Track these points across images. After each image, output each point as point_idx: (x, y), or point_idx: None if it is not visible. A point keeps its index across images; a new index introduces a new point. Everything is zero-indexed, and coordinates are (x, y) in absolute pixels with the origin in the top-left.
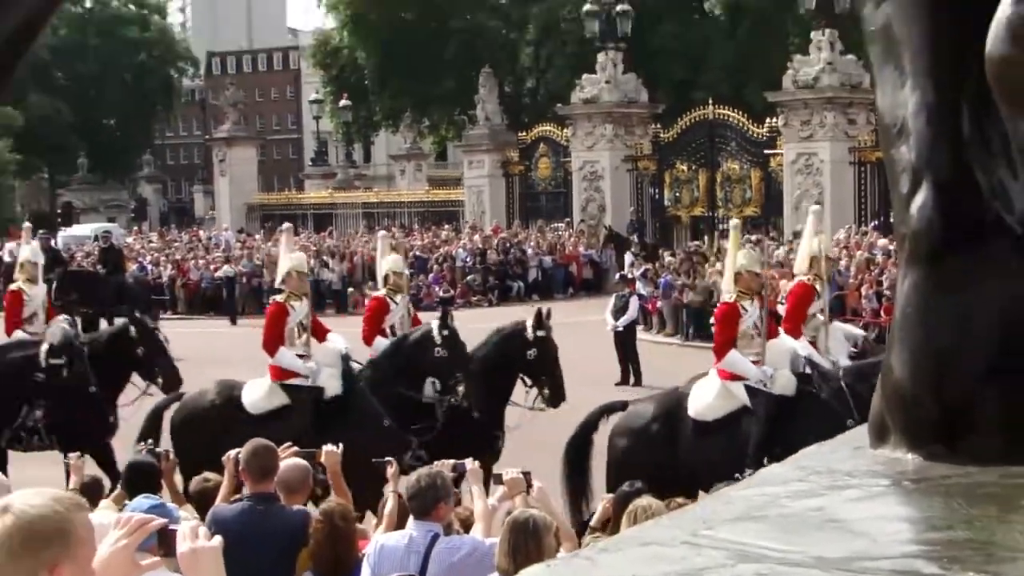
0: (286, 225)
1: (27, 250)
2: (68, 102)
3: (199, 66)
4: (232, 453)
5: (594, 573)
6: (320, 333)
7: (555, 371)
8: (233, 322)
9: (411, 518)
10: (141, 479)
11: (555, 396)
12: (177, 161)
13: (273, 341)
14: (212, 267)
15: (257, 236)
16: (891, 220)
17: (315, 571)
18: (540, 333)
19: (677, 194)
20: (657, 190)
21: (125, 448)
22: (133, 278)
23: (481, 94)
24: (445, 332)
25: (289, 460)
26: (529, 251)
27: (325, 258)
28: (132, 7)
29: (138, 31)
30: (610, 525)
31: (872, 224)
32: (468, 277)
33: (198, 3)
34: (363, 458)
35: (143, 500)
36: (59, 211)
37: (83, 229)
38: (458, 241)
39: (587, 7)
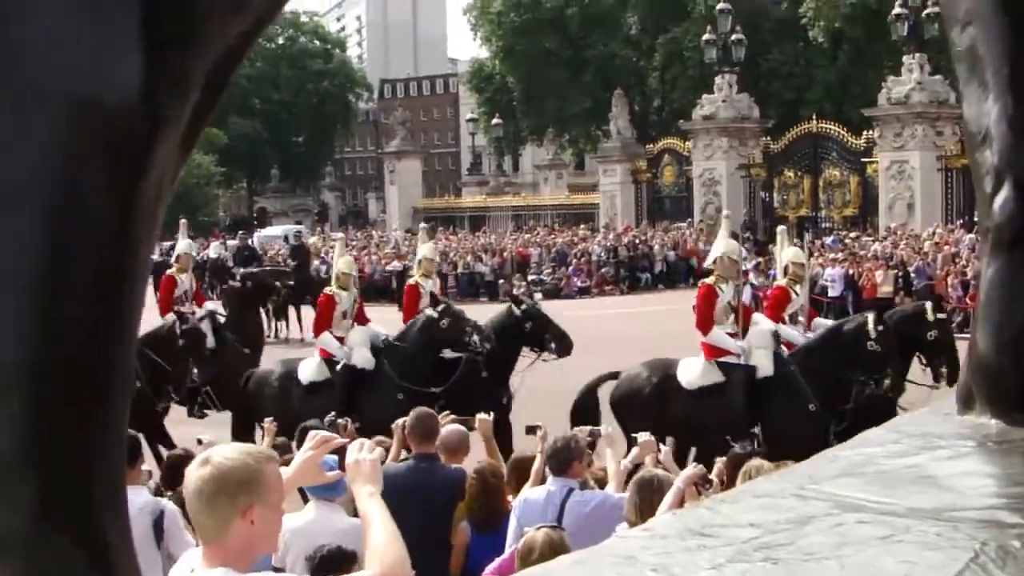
0: (339, 235)
1: (184, 244)
2: (263, 123)
3: (373, 91)
4: (399, 421)
5: (716, 520)
6: (362, 319)
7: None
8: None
9: (550, 475)
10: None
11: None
12: (354, 172)
13: (321, 326)
14: (383, 261)
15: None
16: (974, 219)
17: (471, 520)
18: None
19: (784, 197)
20: (767, 194)
21: None
22: (316, 272)
23: (614, 112)
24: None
25: (450, 426)
26: (655, 247)
27: (479, 254)
28: (317, 42)
29: (322, 63)
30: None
31: (958, 222)
32: (603, 269)
33: (372, 38)
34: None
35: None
36: (255, 215)
37: (275, 230)
38: (594, 239)
39: (706, 36)
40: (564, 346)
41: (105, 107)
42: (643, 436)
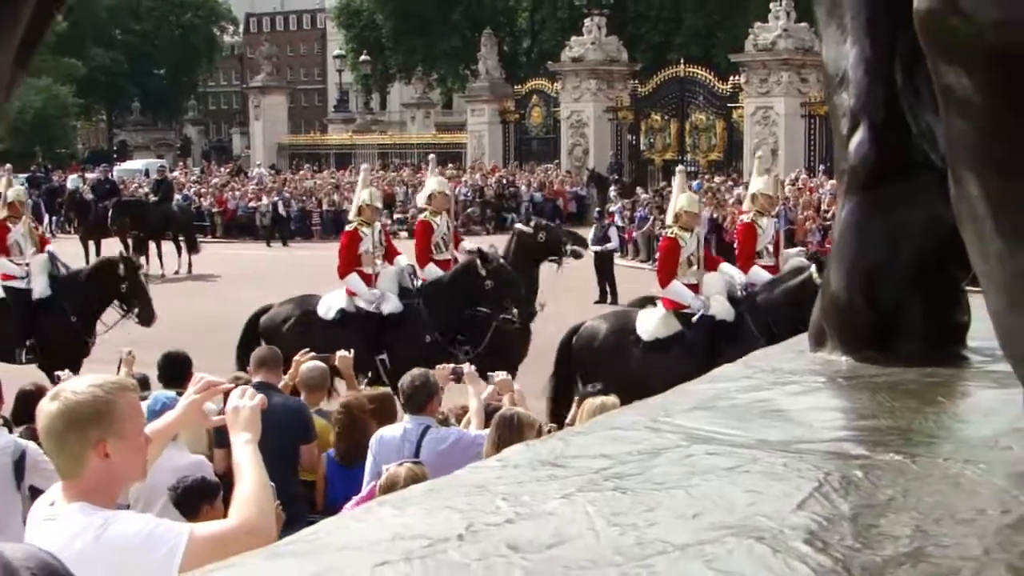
0: (364, 165)
1: (15, 190)
2: (124, 54)
3: (239, 25)
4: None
5: (567, 451)
6: (391, 255)
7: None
8: (269, 245)
9: (406, 413)
10: (172, 369)
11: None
12: (218, 106)
13: (347, 265)
14: (247, 198)
15: (286, 172)
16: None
17: (336, 454)
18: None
19: (651, 140)
20: (634, 137)
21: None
22: (178, 207)
23: (483, 52)
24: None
25: (310, 363)
26: (523, 188)
27: (345, 192)
28: None
29: None
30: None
31: (821, 168)
32: (469, 209)
33: None
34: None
35: (160, 394)
36: (115, 149)
37: (135, 164)
38: (460, 178)
39: None
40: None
41: None
42: (499, 375)
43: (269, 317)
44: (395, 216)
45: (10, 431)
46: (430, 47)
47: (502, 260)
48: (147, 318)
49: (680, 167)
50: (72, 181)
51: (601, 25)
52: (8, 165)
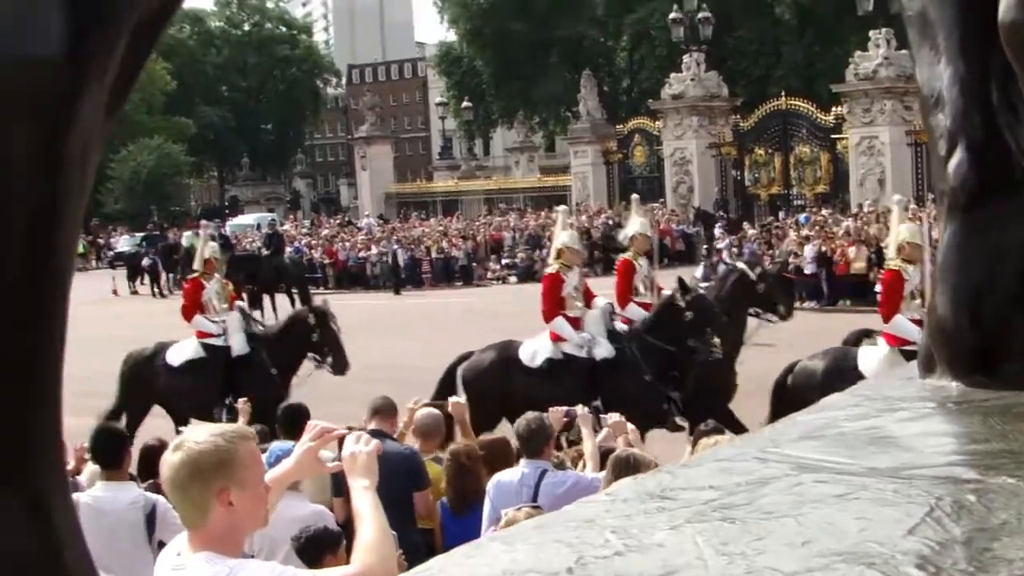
0: (562, 208)
1: (209, 247)
2: (232, 111)
3: (341, 77)
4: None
5: (675, 484)
6: (590, 299)
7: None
8: (398, 293)
9: (523, 457)
10: (291, 420)
11: None
12: (325, 159)
13: (552, 308)
14: (356, 249)
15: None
16: None
17: (447, 502)
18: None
19: (756, 175)
20: (738, 172)
21: None
22: (290, 259)
23: (583, 93)
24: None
25: (424, 409)
26: None
27: (453, 238)
28: (283, 29)
29: (289, 49)
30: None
31: (930, 196)
32: None
33: (339, 23)
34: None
35: (277, 446)
36: (227, 204)
37: (247, 219)
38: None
39: (673, 15)
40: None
41: (27, 62)
42: (613, 417)
43: (470, 365)
44: (503, 261)
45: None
46: (530, 91)
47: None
48: (340, 366)
49: (899, 197)
50: (187, 238)
51: (700, 61)
52: (204, 221)
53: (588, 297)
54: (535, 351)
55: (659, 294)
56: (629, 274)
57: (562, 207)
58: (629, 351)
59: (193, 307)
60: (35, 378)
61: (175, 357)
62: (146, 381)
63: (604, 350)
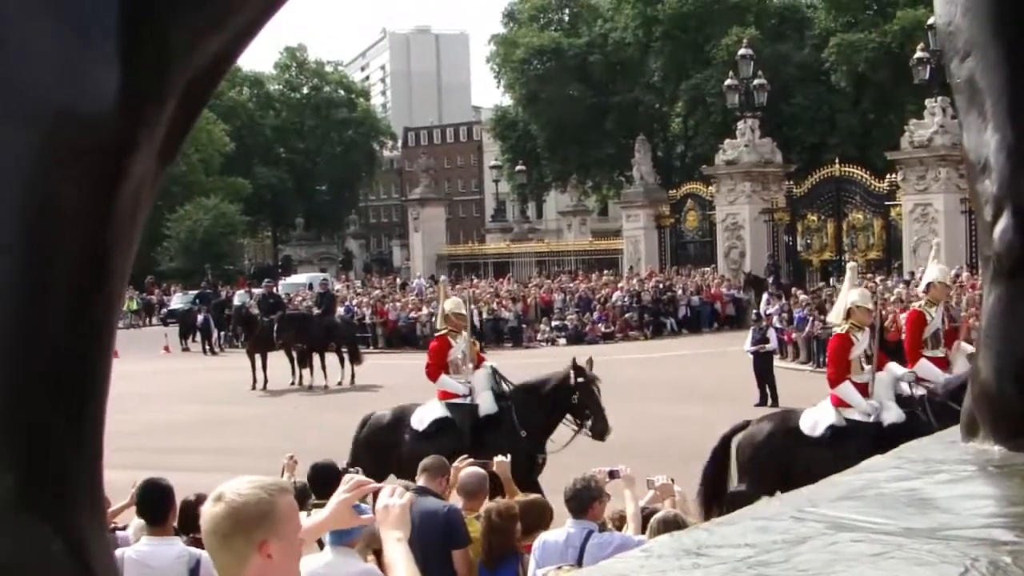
0: (442, 278)
1: (452, 301)
2: (288, 172)
3: (397, 139)
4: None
5: (711, 541)
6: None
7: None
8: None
9: (569, 517)
10: (320, 479)
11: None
12: (378, 220)
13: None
14: (407, 309)
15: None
16: None
17: (481, 556)
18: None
19: (808, 241)
20: (790, 238)
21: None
22: (341, 319)
23: (637, 158)
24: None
25: (468, 468)
26: (680, 292)
27: (504, 300)
28: (342, 92)
29: (346, 112)
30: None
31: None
32: (626, 314)
33: (397, 87)
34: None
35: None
36: (280, 263)
37: (300, 278)
38: (617, 284)
39: (728, 82)
40: (599, 429)
41: (82, 116)
42: (660, 479)
43: (748, 437)
44: (554, 323)
45: None
46: (584, 155)
47: None
48: (601, 430)
49: (852, 263)
50: (239, 296)
51: (755, 127)
52: (443, 278)
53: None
54: (816, 421)
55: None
56: (920, 326)
57: (851, 264)
58: (924, 416)
59: (439, 366)
60: (80, 424)
61: (419, 421)
62: (387, 446)
63: (893, 415)
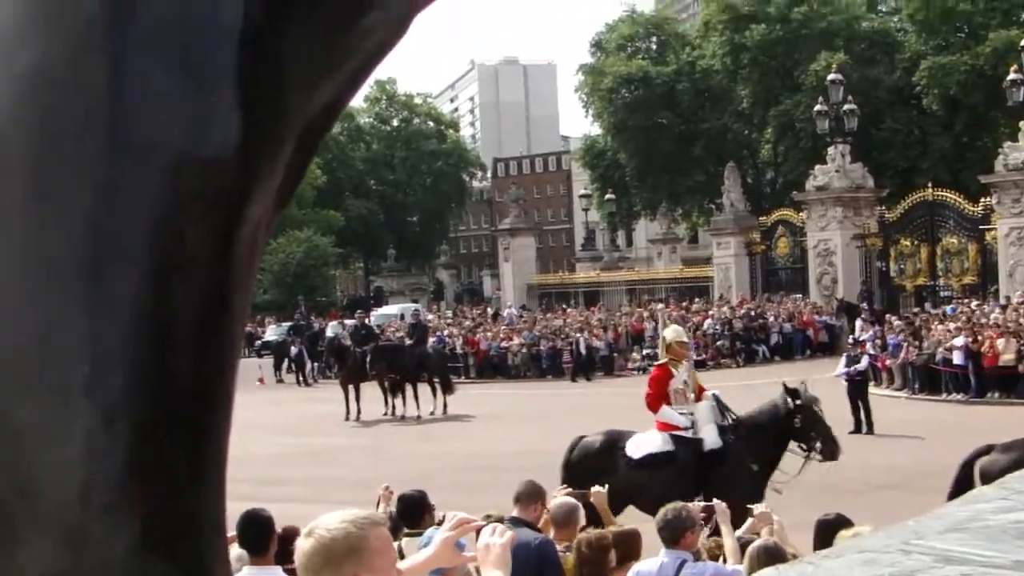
0: (659, 306)
1: (672, 330)
2: (379, 204)
3: (486, 170)
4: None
5: (816, 574)
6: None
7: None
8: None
9: (663, 546)
10: (408, 510)
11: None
12: (469, 250)
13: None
14: (498, 339)
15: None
16: None
17: None
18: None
19: (901, 266)
20: (884, 263)
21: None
22: (433, 349)
23: (727, 185)
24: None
25: (560, 498)
26: (771, 319)
27: (595, 329)
28: (431, 124)
29: (436, 143)
30: None
31: None
32: (718, 342)
33: (486, 118)
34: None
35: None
36: (371, 294)
37: (391, 309)
38: (708, 312)
39: (818, 107)
40: (829, 451)
41: (205, 162)
42: (759, 508)
43: (991, 462)
44: (645, 351)
45: None
46: (674, 183)
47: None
48: (831, 452)
49: (661, 306)
50: (332, 328)
51: (845, 153)
52: (660, 305)
53: None
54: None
55: None
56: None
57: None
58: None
59: (660, 396)
60: (204, 462)
61: (636, 449)
62: (598, 472)
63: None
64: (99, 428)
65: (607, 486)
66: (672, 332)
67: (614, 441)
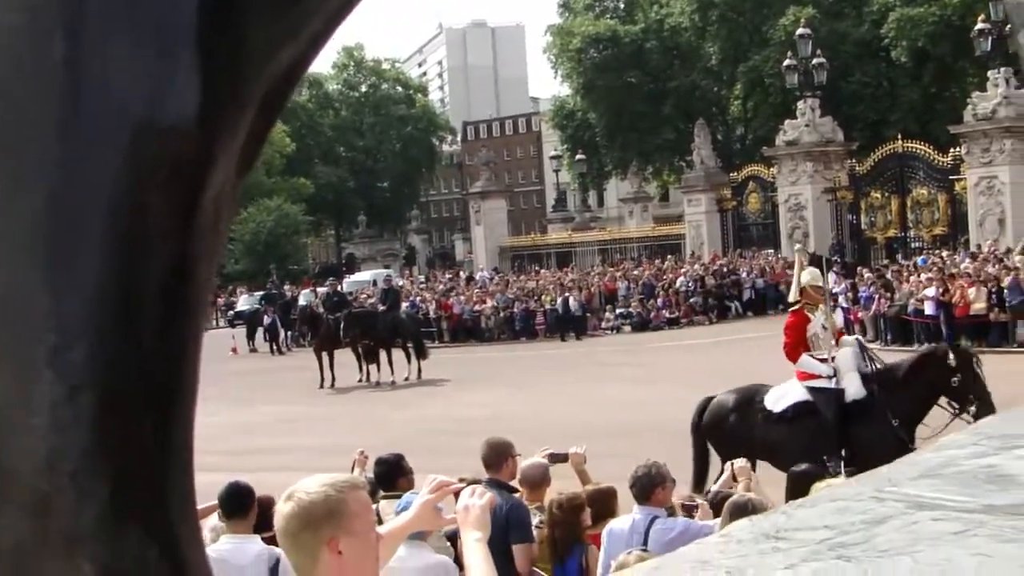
0: (797, 246)
1: (807, 274)
2: (349, 170)
3: (456, 134)
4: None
5: (790, 524)
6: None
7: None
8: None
9: (635, 503)
10: (385, 472)
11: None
12: (440, 214)
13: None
14: (471, 302)
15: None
16: None
17: (549, 550)
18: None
19: (872, 219)
20: (854, 216)
21: None
22: (406, 314)
23: (697, 142)
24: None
25: (531, 459)
26: (743, 275)
27: (568, 289)
28: (400, 89)
29: (405, 108)
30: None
31: None
32: (691, 300)
33: (454, 81)
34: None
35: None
36: (344, 261)
37: (364, 275)
38: (680, 269)
39: (787, 62)
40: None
41: (165, 130)
42: (739, 462)
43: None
44: (618, 310)
45: None
46: (644, 142)
47: None
48: (986, 416)
49: (798, 246)
50: (304, 296)
51: (815, 107)
52: (798, 246)
53: None
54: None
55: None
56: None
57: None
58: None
59: (798, 344)
60: (171, 428)
61: (775, 402)
62: (736, 429)
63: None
64: (64, 399)
65: (747, 443)
66: (808, 275)
67: (750, 397)
